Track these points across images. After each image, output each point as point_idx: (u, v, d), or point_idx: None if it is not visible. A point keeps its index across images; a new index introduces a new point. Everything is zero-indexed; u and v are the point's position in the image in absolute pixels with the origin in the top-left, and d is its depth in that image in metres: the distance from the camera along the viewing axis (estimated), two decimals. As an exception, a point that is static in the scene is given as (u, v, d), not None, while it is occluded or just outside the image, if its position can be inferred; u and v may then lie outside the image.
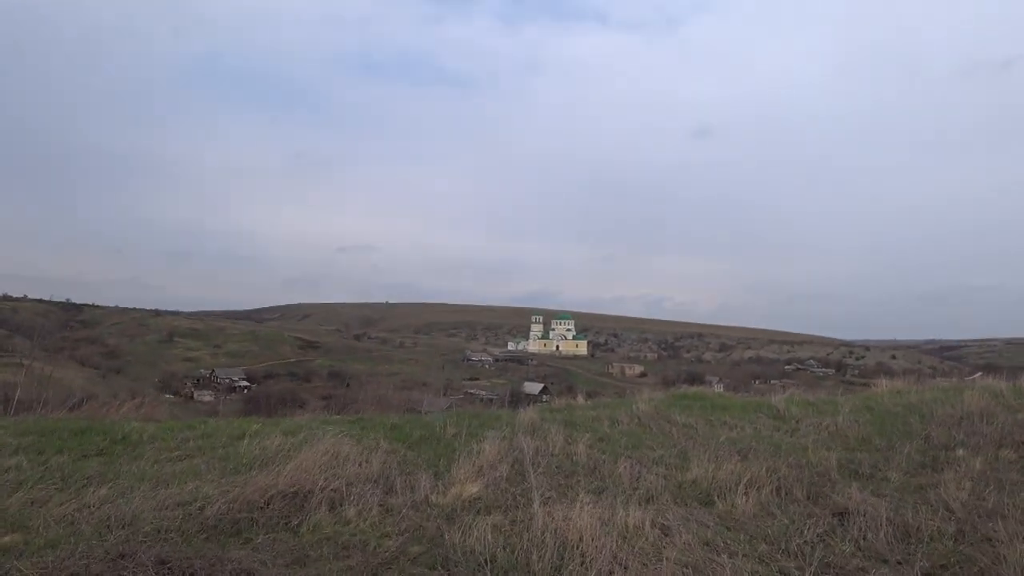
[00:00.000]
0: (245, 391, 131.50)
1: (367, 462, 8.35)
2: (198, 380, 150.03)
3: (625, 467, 8.45)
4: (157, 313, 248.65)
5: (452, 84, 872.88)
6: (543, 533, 6.12)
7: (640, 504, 7.16)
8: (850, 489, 7.72)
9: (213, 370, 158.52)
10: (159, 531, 6.43)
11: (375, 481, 7.78)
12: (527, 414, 11.86)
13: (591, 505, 6.73)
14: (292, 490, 7.28)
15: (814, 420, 12.24)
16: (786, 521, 6.86)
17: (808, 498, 7.71)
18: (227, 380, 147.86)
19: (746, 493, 7.50)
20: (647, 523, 6.37)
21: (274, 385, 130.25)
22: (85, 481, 7.96)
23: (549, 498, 7.39)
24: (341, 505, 7.13)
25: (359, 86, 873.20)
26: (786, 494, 7.75)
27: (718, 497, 7.60)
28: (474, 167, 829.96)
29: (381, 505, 7.19)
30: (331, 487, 7.37)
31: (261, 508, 6.98)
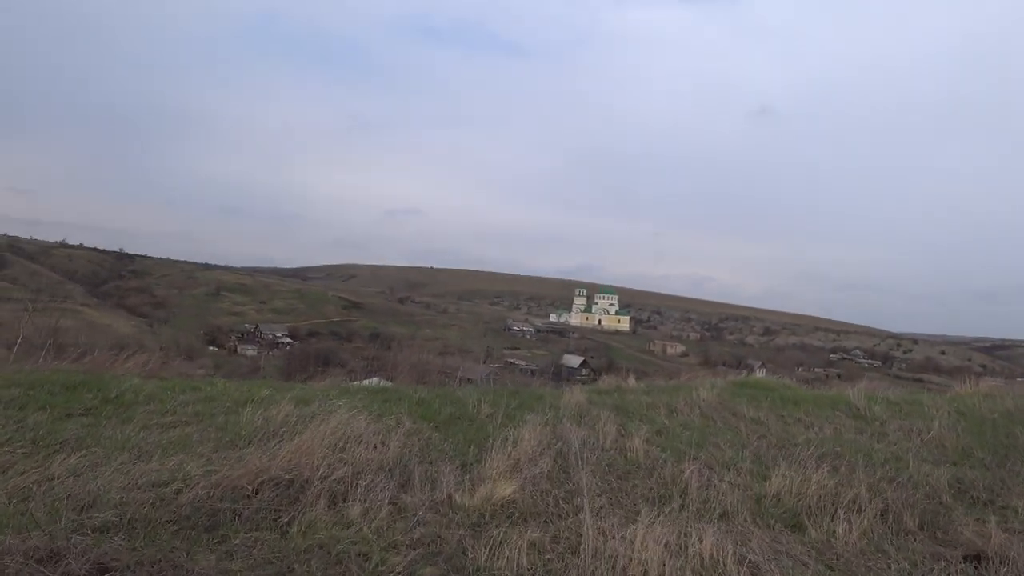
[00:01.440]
0: (287, 347, 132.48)
1: (383, 445, 7.01)
2: (242, 335, 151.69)
3: (692, 471, 6.98)
4: (207, 267, 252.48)
5: (507, 51, 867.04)
6: (594, 560, 4.74)
7: (714, 522, 5.74)
8: (976, 521, 6.21)
9: (257, 325, 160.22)
10: (120, 519, 5.19)
11: (390, 470, 6.42)
12: (573, 395, 10.45)
13: (654, 523, 5.31)
14: (287, 477, 5.96)
15: (902, 423, 10.64)
16: (906, 565, 5.33)
17: (922, 528, 6.18)
18: (270, 336, 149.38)
19: (846, 518, 6.00)
20: (728, 555, 4.91)
21: (316, 343, 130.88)
22: (58, 446, 6.80)
23: (601, 507, 6.01)
24: (344, 500, 5.77)
25: (415, 50, 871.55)
26: (895, 521, 6.21)
27: (809, 520, 6.10)
28: (524, 136, 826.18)
29: (393, 503, 5.81)
30: (335, 476, 6.03)
31: (247, 497, 5.68)
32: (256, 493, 5.76)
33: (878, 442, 9.53)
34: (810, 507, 6.33)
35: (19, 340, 11.43)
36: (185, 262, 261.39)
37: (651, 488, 6.74)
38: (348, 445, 6.79)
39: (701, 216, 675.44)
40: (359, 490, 5.89)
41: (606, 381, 13.85)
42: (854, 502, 6.35)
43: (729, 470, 7.44)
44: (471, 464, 6.92)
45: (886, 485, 7.04)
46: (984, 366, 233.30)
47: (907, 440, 9.68)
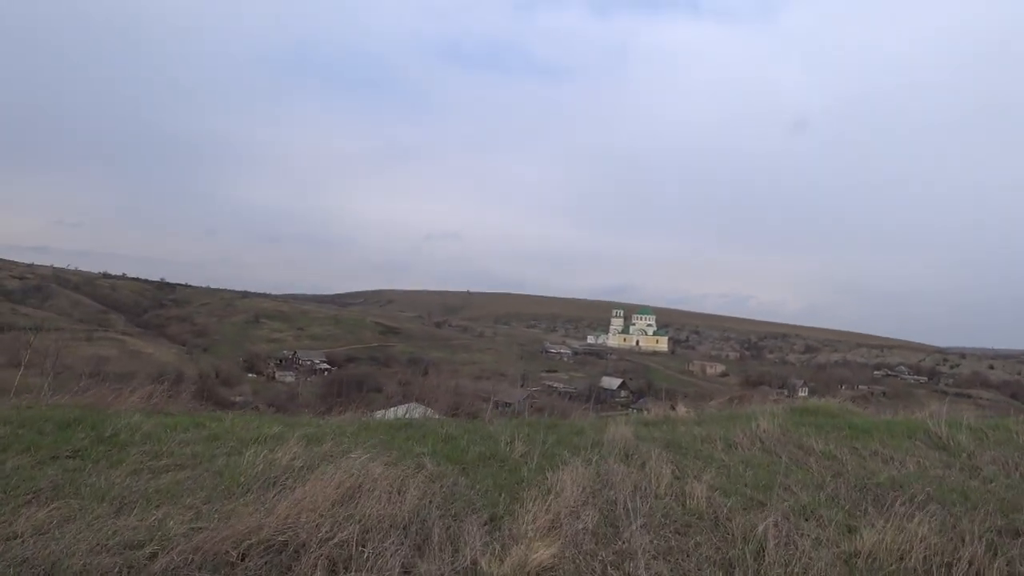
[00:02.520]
0: (325, 373, 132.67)
1: (399, 495, 5.94)
2: (281, 361, 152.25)
3: (766, 524, 5.83)
4: (245, 295, 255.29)
5: (541, 73, 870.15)
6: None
7: (800, 595, 4.63)
8: None
9: (295, 352, 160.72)
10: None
11: (404, 528, 5.36)
12: (618, 429, 9.25)
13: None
14: (281, 539, 4.96)
15: (994, 455, 9.32)
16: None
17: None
18: (308, 362, 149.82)
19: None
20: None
21: (354, 369, 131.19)
22: (31, 496, 5.90)
23: (659, 575, 4.92)
24: (346, 570, 4.75)
25: (451, 74, 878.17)
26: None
27: (919, 589, 4.97)
28: (560, 156, 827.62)
29: (406, 572, 4.78)
30: (338, 538, 5.00)
31: (231, 565, 4.71)
32: (242, 559, 4.78)
33: (972, 478, 8.25)
34: (916, 570, 5.17)
35: (20, 370, 10.51)
36: (224, 290, 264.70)
37: (717, 547, 5.59)
38: (358, 496, 5.77)
39: (740, 233, 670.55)
40: (365, 556, 4.86)
41: (653, 411, 12.71)
42: (971, 564, 5.18)
43: (807, 520, 6.27)
44: (502, 517, 5.83)
45: (1003, 538, 5.87)
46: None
47: (1005, 476, 8.39)
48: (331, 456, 7.08)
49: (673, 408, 12.93)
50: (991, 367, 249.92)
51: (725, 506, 6.46)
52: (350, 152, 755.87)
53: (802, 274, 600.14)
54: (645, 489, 6.74)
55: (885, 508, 6.57)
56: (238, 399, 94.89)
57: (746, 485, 7.33)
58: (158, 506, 5.73)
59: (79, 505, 5.69)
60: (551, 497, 6.12)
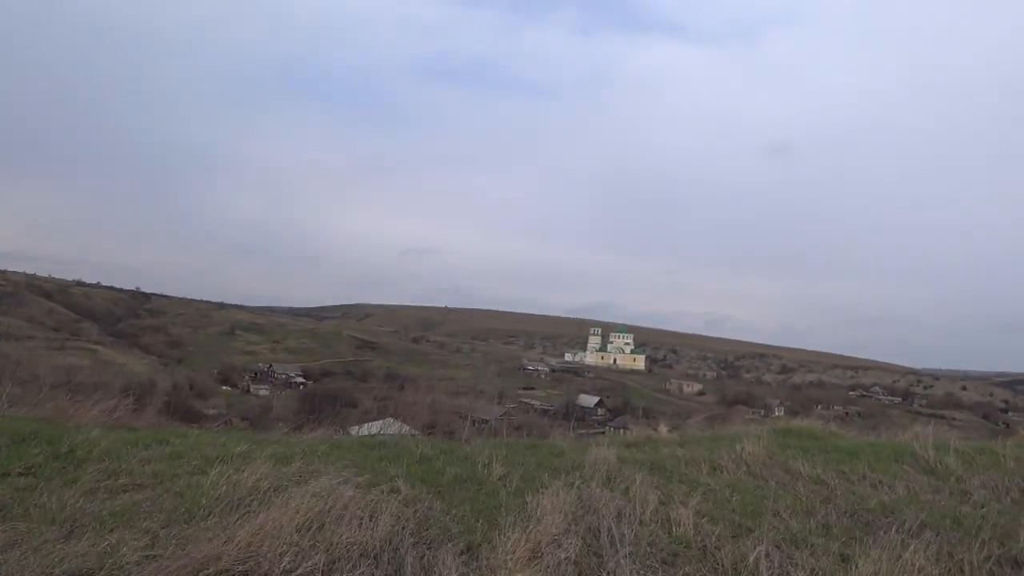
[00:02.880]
0: (301, 387, 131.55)
1: (371, 520, 5.59)
2: (256, 374, 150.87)
3: (758, 553, 5.53)
4: (221, 306, 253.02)
5: (525, 92, 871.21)
6: None
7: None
8: None
9: (271, 364, 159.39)
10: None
11: (376, 557, 5.01)
12: (601, 452, 8.88)
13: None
14: (240, 569, 4.61)
15: (983, 479, 9.05)
16: None
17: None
18: (284, 375, 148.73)
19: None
20: None
21: (330, 383, 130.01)
22: (-26, 519, 5.50)
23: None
24: (311, 604, 4.42)
25: (435, 91, 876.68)
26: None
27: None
28: (541, 174, 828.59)
29: (376, 607, 4.46)
30: (303, 568, 4.65)
31: (186, 598, 4.36)
32: (198, 593, 4.42)
33: (963, 503, 7.98)
34: (916, 603, 4.89)
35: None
36: (200, 301, 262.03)
37: (708, 577, 5.31)
38: (326, 522, 5.41)
39: (718, 254, 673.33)
40: (333, 589, 4.52)
41: (635, 431, 12.40)
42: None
43: (799, 548, 5.98)
44: (479, 546, 5.48)
45: (1003, 568, 5.61)
46: (1007, 402, 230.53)
47: (996, 501, 8.13)
48: (300, 477, 6.73)
49: (654, 429, 12.64)
50: (963, 388, 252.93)
51: (713, 533, 6.15)
52: (331, 166, 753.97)
53: (779, 296, 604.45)
54: (630, 515, 6.41)
55: (879, 535, 6.29)
56: (212, 411, 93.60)
57: (733, 511, 7.04)
58: (112, 530, 5.36)
59: (27, 528, 5.30)
60: (532, 524, 5.78)
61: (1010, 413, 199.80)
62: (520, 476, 7.62)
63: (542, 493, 6.73)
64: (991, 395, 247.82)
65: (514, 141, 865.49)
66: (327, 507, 5.62)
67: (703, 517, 6.61)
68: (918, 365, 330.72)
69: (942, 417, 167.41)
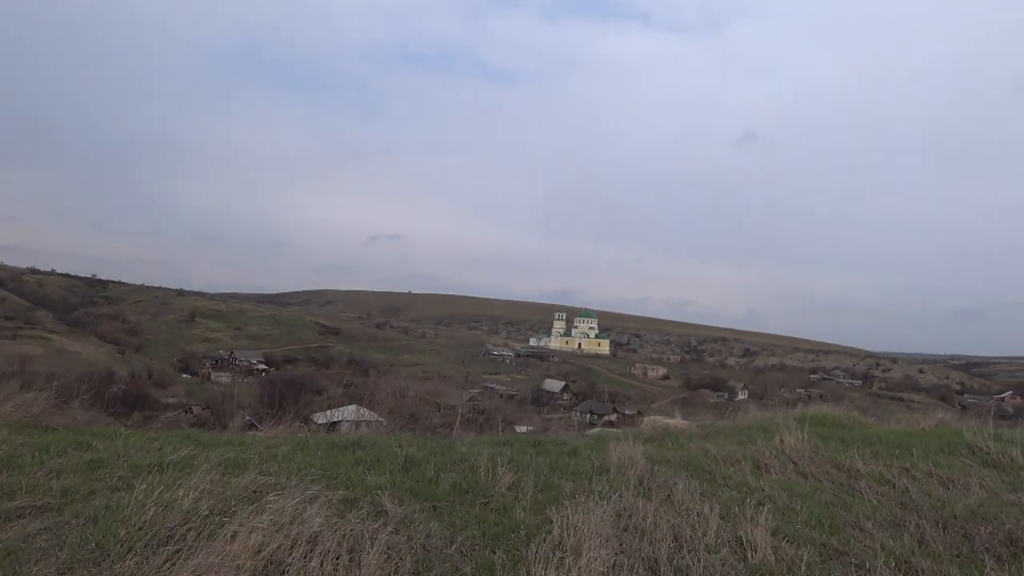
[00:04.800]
0: (263, 374, 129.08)
1: (351, 559, 4.03)
2: (216, 361, 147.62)
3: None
4: (181, 293, 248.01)
5: (491, 78, 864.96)
6: None
7: None
8: None
9: (232, 352, 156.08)
10: None
11: (361, 619, 3.49)
12: (625, 450, 7.24)
13: None
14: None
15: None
16: None
17: None
18: (245, 362, 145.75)
19: None
20: None
21: (293, 370, 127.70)
22: None
23: None
24: None
25: (400, 77, 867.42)
26: None
27: None
28: (506, 161, 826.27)
29: None
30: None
31: None
32: None
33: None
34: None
35: None
36: (159, 288, 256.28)
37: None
38: (289, 565, 3.85)
39: (682, 240, 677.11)
40: None
41: (647, 423, 10.85)
42: None
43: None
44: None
45: None
46: (962, 384, 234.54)
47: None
48: (254, 493, 5.11)
49: (670, 415, 11.13)
50: (921, 371, 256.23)
51: (800, 560, 4.69)
52: (296, 153, 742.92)
53: (740, 281, 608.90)
54: (690, 538, 4.91)
55: (993, 554, 4.91)
56: (171, 400, 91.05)
57: (807, 524, 5.60)
58: (-9, 575, 3.79)
59: None
60: (567, 556, 4.26)
61: (966, 395, 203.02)
62: (534, 484, 6.06)
63: (567, 507, 5.21)
64: (947, 378, 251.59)
65: (482, 127, 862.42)
66: (289, 541, 4.05)
67: (779, 537, 5.15)
68: (877, 349, 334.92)
69: (901, 399, 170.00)
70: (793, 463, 7.66)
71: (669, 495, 5.94)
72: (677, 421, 10.70)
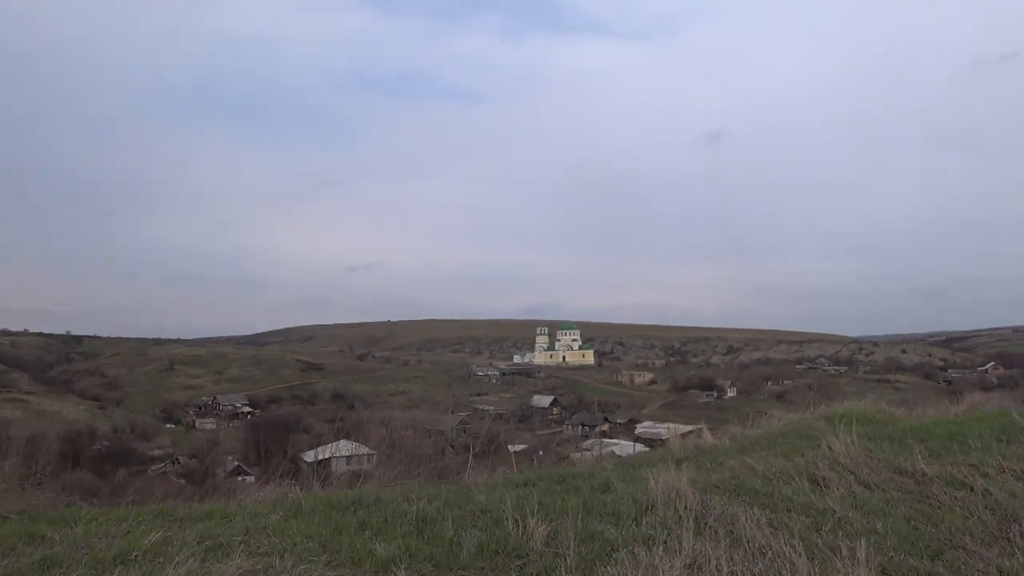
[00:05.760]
0: (248, 416, 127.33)
1: None
2: (200, 408, 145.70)
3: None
4: (158, 342, 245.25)
5: (455, 98, 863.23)
6: None
7: None
8: None
9: (215, 397, 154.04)
10: None
11: None
12: (668, 479, 6.15)
13: None
14: None
15: None
16: None
17: None
18: (229, 406, 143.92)
19: None
20: None
21: (277, 410, 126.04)
22: None
23: None
24: None
25: (364, 103, 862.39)
26: None
27: None
28: (477, 180, 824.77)
29: None
30: None
31: None
32: None
33: None
34: None
35: None
36: (135, 339, 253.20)
37: None
38: None
39: (657, 244, 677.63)
40: None
41: (675, 440, 9.85)
42: None
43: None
44: None
45: None
46: (945, 359, 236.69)
47: None
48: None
49: (698, 432, 10.24)
50: (903, 351, 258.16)
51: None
52: (267, 186, 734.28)
53: (717, 279, 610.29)
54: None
55: None
56: (157, 452, 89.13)
57: (901, 550, 4.72)
58: None
59: None
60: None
61: (950, 371, 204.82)
62: (574, 535, 5.05)
63: (623, 561, 4.29)
64: (930, 355, 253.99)
65: (449, 147, 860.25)
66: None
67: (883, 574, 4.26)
68: (858, 333, 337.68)
69: (887, 381, 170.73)
70: (851, 473, 6.78)
71: (732, 531, 5.04)
72: (706, 435, 9.80)
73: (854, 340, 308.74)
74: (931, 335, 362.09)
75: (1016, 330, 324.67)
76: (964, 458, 7.15)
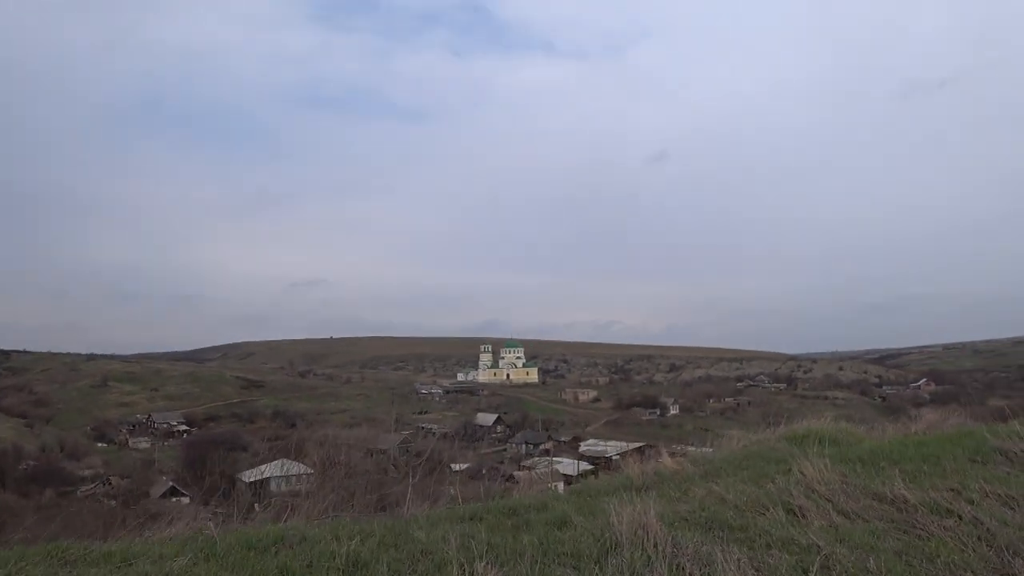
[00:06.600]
0: (184, 435, 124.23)
1: None
2: (134, 426, 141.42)
3: None
4: (92, 357, 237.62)
5: (401, 116, 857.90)
6: None
7: None
8: None
9: (150, 415, 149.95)
10: None
11: None
12: (632, 515, 5.34)
13: None
14: None
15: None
16: None
17: None
18: (165, 424, 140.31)
19: None
20: None
21: (215, 428, 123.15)
22: None
23: None
24: None
25: (308, 120, 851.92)
26: None
27: None
28: (422, 198, 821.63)
29: None
30: None
31: None
32: None
33: None
34: None
35: None
36: (68, 354, 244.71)
37: None
38: None
39: (600, 262, 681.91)
40: None
41: (633, 467, 9.09)
42: None
43: None
44: None
45: None
46: (880, 376, 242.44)
47: None
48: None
49: (654, 455, 9.60)
50: (840, 369, 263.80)
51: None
52: (207, 202, 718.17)
53: (659, 297, 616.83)
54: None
55: None
56: (87, 472, 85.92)
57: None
58: None
59: None
60: None
61: (884, 387, 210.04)
62: None
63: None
64: (866, 372, 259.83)
65: (394, 165, 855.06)
66: None
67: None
68: (797, 351, 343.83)
69: (825, 398, 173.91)
70: (828, 501, 6.20)
71: (710, 574, 4.40)
72: (666, 459, 9.17)
73: (792, 357, 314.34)
74: (867, 352, 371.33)
75: (947, 347, 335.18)
76: (943, 482, 6.65)
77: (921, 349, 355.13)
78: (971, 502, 6.07)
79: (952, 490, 6.37)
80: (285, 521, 6.54)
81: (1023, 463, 7.35)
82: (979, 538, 5.20)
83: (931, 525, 5.50)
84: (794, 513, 5.97)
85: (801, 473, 6.88)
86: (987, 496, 6.23)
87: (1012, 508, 5.94)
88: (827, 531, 5.47)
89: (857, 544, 5.13)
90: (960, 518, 5.66)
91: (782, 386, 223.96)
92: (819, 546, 4.99)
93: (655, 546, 4.89)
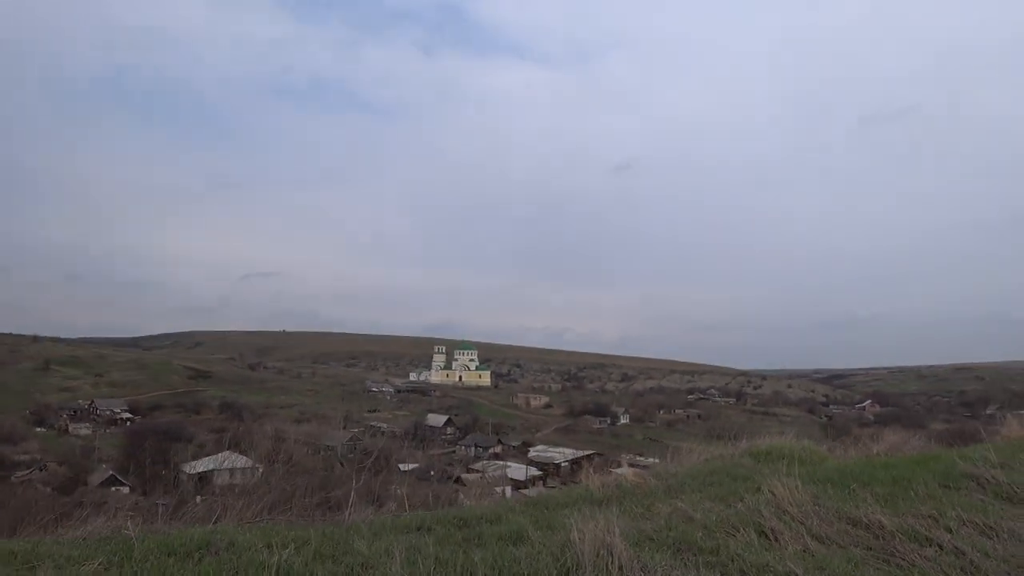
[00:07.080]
0: (127, 423, 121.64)
1: None
2: (75, 412, 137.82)
3: None
4: (35, 339, 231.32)
5: (366, 111, 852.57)
6: None
7: None
8: None
9: (92, 401, 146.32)
10: None
11: None
12: (595, 532, 4.82)
13: None
14: None
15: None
16: None
17: None
18: (108, 412, 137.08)
19: None
20: None
21: (160, 417, 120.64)
22: None
23: None
24: None
25: (273, 110, 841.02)
26: None
27: None
28: (383, 194, 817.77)
29: None
30: None
31: None
32: None
33: None
34: None
35: None
36: (9, 335, 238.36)
37: None
38: None
39: (557, 268, 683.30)
40: None
41: (593, 478, 8.57)
42: None
43: None
44: None
45: None
46: (827, 396, 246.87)
47: None
48: None
49: (615, 465, 9.19)
50: (789, 386, 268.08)
51: None
52: (162, 186, 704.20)
53: (614, 306, 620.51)
54: None
55: None
56: (23, 457, 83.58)
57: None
58: None
59: None
60: None
61: (831, 406, 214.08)
62: None
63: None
64: (813, 391, 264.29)
65: (357, 160, 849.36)
66: None
67: None
68: (747, 367, 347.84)
69: (773, 414, 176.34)
70: (801, 524, 5.82)
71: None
72: (627, 472, 8.74)
73: (743, 373, 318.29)
74: (815, 371, 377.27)
75: (891, 371, 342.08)
76: (918, 508, 6.32)
77: (867, 371, 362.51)
78: (949, 530, 5.74)
79: (929, 517, 6.04)
80: (215, 523, 5.95)
81: (996, 491, 7.07)
82: (962, 569, 4.87)
83: (911, 554, 5.14)
84: (766, 536, 5.57)
85: (771, 493, 6.49)
86: (964, 524, 5.91)
87: (991, 538, 5.62)
88: (803, 557, 5.08)
89: (836, 573, 4.75)
90: (940, 547, 5.32)
91: (732, 400, 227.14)
92: (797, 574, 4.60)
93: (620, 569, 4.44)
